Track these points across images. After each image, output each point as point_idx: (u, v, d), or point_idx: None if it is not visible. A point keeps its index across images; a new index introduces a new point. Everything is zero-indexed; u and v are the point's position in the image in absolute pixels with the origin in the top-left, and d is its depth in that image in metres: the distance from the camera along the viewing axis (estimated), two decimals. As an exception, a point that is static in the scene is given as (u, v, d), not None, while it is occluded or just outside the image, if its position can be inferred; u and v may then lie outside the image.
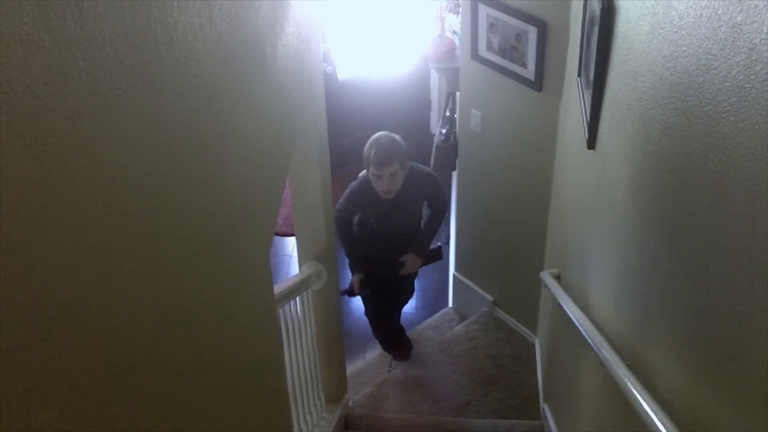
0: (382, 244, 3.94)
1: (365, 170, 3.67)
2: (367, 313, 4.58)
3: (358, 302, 5.36)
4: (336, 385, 3.83)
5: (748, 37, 1.16)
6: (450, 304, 5.33)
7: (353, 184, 3.79)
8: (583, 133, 2.71)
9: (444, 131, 5.63)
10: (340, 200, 3.81)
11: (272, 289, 2.25)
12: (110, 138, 1.10)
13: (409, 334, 4.83)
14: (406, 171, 3.57)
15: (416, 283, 4.59)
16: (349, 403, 4.10)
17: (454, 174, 5.01)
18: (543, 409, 3.99)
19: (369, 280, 4.04)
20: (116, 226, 1.14)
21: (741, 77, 1.19)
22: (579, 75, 2.96)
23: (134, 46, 1.14)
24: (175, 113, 1.34)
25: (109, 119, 1.09)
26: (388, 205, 3.69)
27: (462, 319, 5.07)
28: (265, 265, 2.11)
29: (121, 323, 1.19)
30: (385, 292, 4.27)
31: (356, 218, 3.90)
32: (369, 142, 3.51)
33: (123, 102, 1.12)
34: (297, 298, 3.12)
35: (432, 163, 4.84)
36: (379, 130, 3.45)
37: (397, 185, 3.52)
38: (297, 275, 3.27)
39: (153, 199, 1.27)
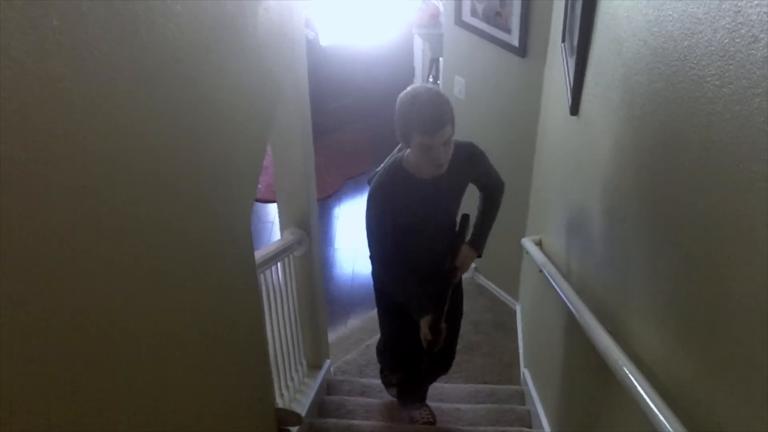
0: (423, 257, 2.85)
1: (396, 154, 2.71)
2: (387, 337, 3.37)
3: (341, 271, 5.38)
4: (318, 351, 3.84)
5: (734, -1, 1.15)
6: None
7: (377, 180, 2.68)
8: (566, 99, 2.70)
9: (427, 98, 5.61)
10: (370, 222, 2.69)
11: (253, 255, 2.24)
12: (87, 100, 1.08)
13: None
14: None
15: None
16: (331, 369, 4.12)
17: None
18: (523, 374, 4.02)
19: (441, 311, 2.74)
20: (91, 189, 1.12)
21: (726, 41, 1.19)
22: (563, 41, 2.95)
23: (110, 5, 1.12)
24: (153, 75, 1.31)
25: (86, 80, 1.07)
26: (429, 191, 2.65)
27: (444, 285, 5.09)
28: (246, 230, 2.09)
29: (99, 288, 1.18)
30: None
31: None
32: (403, 101, 2.40)
33: (100, 62, 1.10)
34: (278, 264, 3.12)
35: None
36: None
37: (450, 153, 2.50)
38: (278, 241, 3.26)
39: (131, 163, 1.25)
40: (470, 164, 2.74)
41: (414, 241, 2.80)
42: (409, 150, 2.54)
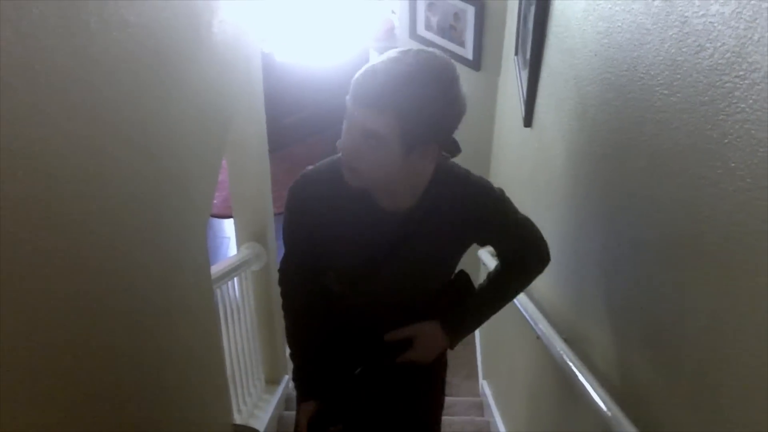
0: (368, 322, 1.94)
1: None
2: None
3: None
4: (276, 366, 3.82)
5: (681, 10, 1.17)
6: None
7: (302, 174, 1.86)
8: (520, 112, 2.73)
9: (383, 111, 5.61)
10: (283, 230, 2.00)
11: (209, 269, 2.22)
12: (37, 111, 1.06)
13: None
14: (415, 152, 1.54)
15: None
16: (290, 384, 4.09)
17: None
18: (482, 385, 4.03)
19: (334, 407, 1.94)
20: (42, 202, 1.11)
21: (673, 51, 1.21)
22: (516, 54, 2.98)
23: (62, 16, 1.10)
24: (105, 87, 1.29)
25: (36, 90, 1.05)
26: (383, 223, 1.73)
27: (402, 298, 5.08)
28: (201, 245, 2.07)
29: (50, 306, 1.15)
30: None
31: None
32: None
33: (52, 73, 1.08)
34: (235, 279, 3.09)
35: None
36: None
37: (371, 158, 1.54)
38: (235, 255, 3.23)
39: (81, 174, 1.23)
40: (472, 211, 1.73)
41: (352, 308, 1.90)
42: None
